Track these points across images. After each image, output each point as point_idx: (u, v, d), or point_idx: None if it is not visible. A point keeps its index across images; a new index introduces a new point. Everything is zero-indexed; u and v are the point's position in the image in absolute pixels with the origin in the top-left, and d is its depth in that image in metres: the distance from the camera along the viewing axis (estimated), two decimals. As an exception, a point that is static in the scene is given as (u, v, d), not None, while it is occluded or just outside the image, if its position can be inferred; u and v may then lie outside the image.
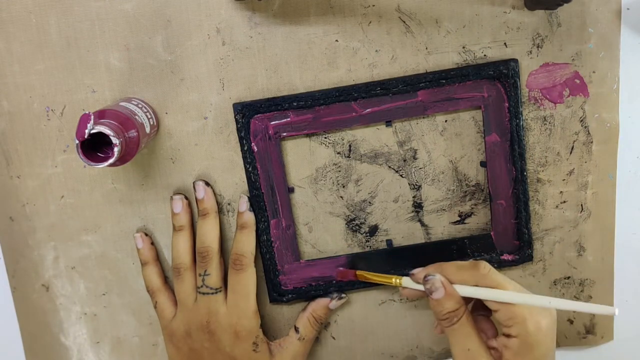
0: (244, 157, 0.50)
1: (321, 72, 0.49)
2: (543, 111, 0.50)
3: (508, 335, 0.45)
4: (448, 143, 0.51)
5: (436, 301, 0.46)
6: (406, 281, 0.49)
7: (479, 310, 0.49)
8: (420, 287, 0.47)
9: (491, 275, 0.45)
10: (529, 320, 0.44)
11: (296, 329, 0.52)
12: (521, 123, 0.49)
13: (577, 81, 0.50)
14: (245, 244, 0.50)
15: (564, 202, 0.52)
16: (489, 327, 0.48)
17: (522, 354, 0.44)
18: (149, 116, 0.47)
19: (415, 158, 0.51)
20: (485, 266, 0.46)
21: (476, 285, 0.46)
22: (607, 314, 0.44)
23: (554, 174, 0.52)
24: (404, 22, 0.49)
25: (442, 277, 0.46)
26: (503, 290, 0.45)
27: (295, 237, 0.52)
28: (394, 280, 0.49)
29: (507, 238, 0.52)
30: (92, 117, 0.39)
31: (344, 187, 0.52)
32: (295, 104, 0.49)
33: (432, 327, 0.55)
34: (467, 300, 0.46)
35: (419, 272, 0.48)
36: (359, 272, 0.51)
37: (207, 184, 0.51)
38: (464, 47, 0.49)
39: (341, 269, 0.52)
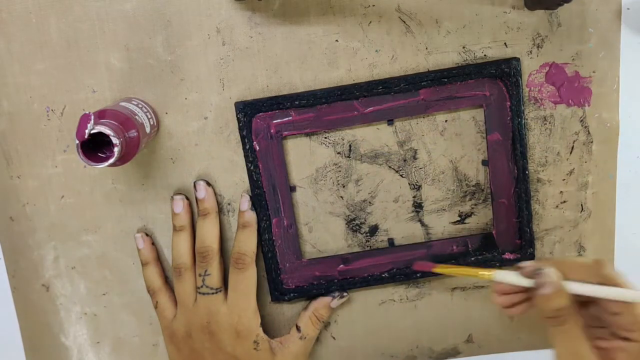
0: (246, 156, 0.50)
1: (321, 72, 0.49)
2: (543, 111, 0.50)
3: (626, 339, 0.42)
4: (448, 143, 0.51)
5: (545, 296, 0.41)
6: (499, 275, 0.44)
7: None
8: (520, 282, 0.43)
9: (615, 276, 0.41)
10: None
11: (298, 328, 0.52)
12: (523, 122, 0.49)
13: (577, 81, 0.50)
14: (247, 243, 0.50)
15: (564, 202, 0.52)
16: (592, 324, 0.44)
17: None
18: (149, 116, 0.47)
19: (415, 158, 0.51)
20: (607, 265, 0.42)
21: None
22: None
23: (554, 173, 0.52)
24: (404, 22, 0.49)
25: (557, 271, 0.42)
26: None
27: (297, 236, 0.52)
28: (480, 273, 0.45)
29: (508, 237, 0.52)
30: (92, 117, 0.39)
31: (344, 187, 0.52)
32: (297, 102, 0.49)
33: (432, 327, 0.55)
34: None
35: (528, 265, 0.44)
36: (439, 268, 0.48)
37: (208, 183, 0.51)
38: (464, 47, 0.49)
39: (418, 262, 0.50)
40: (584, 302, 0.44)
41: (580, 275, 0.42)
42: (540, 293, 0.42)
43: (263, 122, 0.49)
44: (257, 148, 0.50)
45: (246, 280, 0.50)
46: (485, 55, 0.49)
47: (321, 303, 0.52)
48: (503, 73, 0.48)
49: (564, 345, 0.42)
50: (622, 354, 0.42)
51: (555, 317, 0.42)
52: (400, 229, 0.53)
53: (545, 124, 0.51)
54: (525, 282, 0.43)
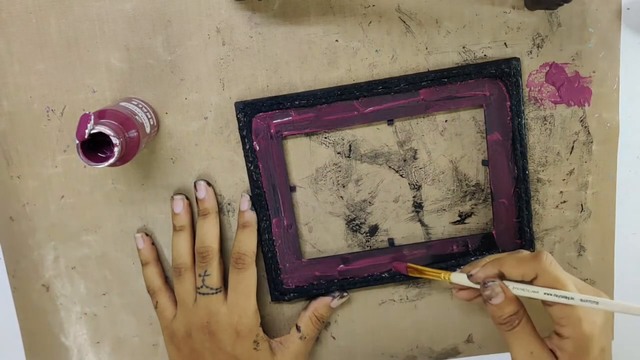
0: (246, 156, 0.50)
1: (321, 72, 0.49)
2: (543, 111, 0.50)
3: (561, 335, 0.43)
4: (448, 143, 0.51)
5: (496, 306, 0.44)
6: (455, 277, 0.48)
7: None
8: (471, 285, 0.46)
9: (552, 268, 0.43)
10: (584, 321, 0.42)
11: (298, 328, 0.52)
12: (523, 122, 0.49)
13: (577, 81, 0.50)
14: (247, 243, 0.50)
15: (564, 202, 0.52)
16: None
17: (577, 356, 0.42)
18: (149, 116, 0.47)
19: (415, 158, 0.51)
20: (547, 257, 0.43)
21: (536, 277, 0.43)
22: None
23: (554, 174, 0.52)
24: (404, 22, 0.49)
25: (501, 282, 0.44)
26: (561, 287, 0.42)
27: (297, 236, 0.52)
28: (442, 275, 0.48)
29: (508, 237, 0.52)
30: (92, 117, 0.39)
31: (344, 187, 0.52)
32: (297, 102, 0.49)
33: (432, 327, 0.55)
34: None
35: (476, 272, 0.46)
36: (409, 265, 0.50)
37: (209, 183, 0.51)
38: (464, 47, 0.49)
39: (395, 263, 0.51)
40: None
41: (522, 271, 0.44)
42: (492, 303, 0.44)
43: (263, 122, 0.49)
44: (257, 148, 0.50)
45: (246, 281, 0.50)
46: (485, 55, 0.49)
47: (321, 303, 0.52)
48: (503, 73, 0.48)
49: (518, 346, 0.44)
50: (562, 353, 0.43)
51: (508, 323, 0.44)
52: (400, 229, 0.53)
53: (545, 124, 0.51)
54: (477, 286, 0.46)
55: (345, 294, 0.53)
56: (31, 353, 0.55)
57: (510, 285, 0.45)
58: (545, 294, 0.43)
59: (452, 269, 0.52)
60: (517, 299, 0.44)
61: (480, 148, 0.51)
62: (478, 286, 0.46)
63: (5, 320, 0.54)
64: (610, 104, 0.50)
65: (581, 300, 0.42)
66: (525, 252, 0.47)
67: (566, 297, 0.42)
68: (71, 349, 0.55)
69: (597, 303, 0.41)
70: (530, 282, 0.44)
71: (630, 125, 0.52)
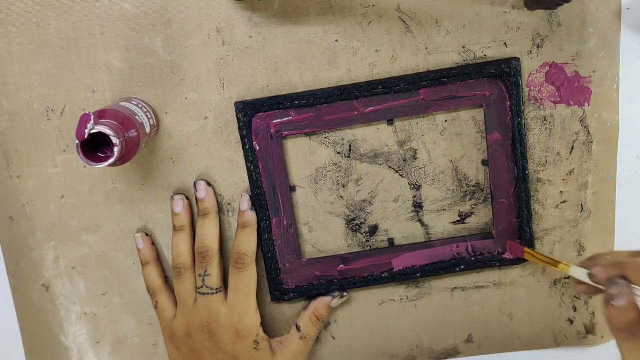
0: (246, 156, 0.50)
1: (321, 72, 0.49)
2: (543, 111, 0.50)
3: None
4: (448, 143, 0.51)
5: (617, 309, 0.39)
6: (574, 271, 0.44)
7: None
8: (589, 281, 0.43)
9: None
10: None
11: (298, 328, 0.52)
12: (523, 122, 0.49)
13: (577, 81, 0.50)
14: (247, 243, 0.50)
15: (564, 202, 0.52)
16: None
17: None
18: (149, 116, 0.47)
19: (415, 158, 0.51)
20: None
21: None
22: None
23: (554, 174, 0.52)
24: (404, 22, 0.49)
25: (630, 285, 0.40)
26: None
27: (297, 236, 0.52)
28: (560, 266, 0.46)
29: (508, 237, 0.52)
30: (92, 117, 0.39)
31: (344, 187, 0.52)
32: (297, 102, 0.49)
33: (432, 327, 0.55)
34: None
35: (598, 272, 0.42)
36: (527, 250, 0.49)
37: (209, 183, 0.51)
38: (464, 47, 0.49)
39: (512, 242, 0.50)
40: None
41: None
42: (613, 304, 0.40)
43: (263, 122, 0.49)
44: (257, 148, 0.50)
45: (246, 280, 0.50)
46: (485, 55, 0.49)
47: (321, 303, 0.52)
48: (503, 73, 0.48)
49: (635, 358, 0.40)
50: None
51: (627, 330, 0.40)
52: (400, 229, 0.53)
53: (545, 124, 0.51)
54: (598, 286, 0.43)
55: (345, 293, 0.53)
56: (31, 353, 0.55)
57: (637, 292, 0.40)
58: None
59: (451, 269, 0.52)
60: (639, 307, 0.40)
61: (480, 148, 0.51)
62: (600, 286, 0.42)
63: (5, 320, 0.54)
64: (610, 104, 0.51)
65: None
66: None
67: None
68: (71, 349, 0.55)
69: None
70: None
71: (630, 125, 0.52)
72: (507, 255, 0.52)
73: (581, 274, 0.44)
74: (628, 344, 0.40)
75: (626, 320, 0.40)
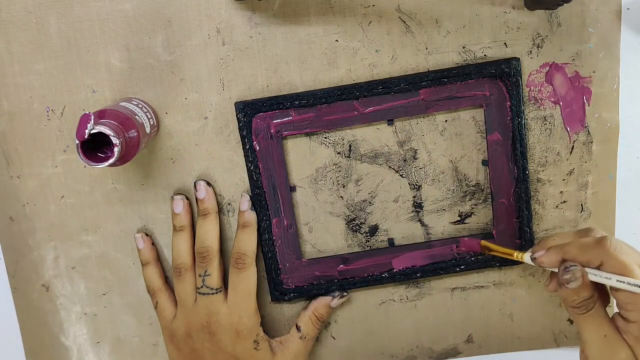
0: (246, 156, 0.50)
1: (321, 72, 0.49)
2: (543, 111, 0.50)
3: (626, 319, 0.43)
4: (448, 143, 0.51)
5: (572, 290, 0.43)
6: (527, 258, 0.47)
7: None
8: (545, 267, 0.46)
9: (618, 255, 0.42)
10: None
11: (298, 328, 0.52)
12: (523, 122, 0.49)
13: (577, 81, 0.50)
14: (247, 242, 0.50)
15: (564, 202, 0.52)
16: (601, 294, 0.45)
17: None
18: (149, 116, 0.47)
19: (415, 158, 0.51)
20: (611, 243, 0.43)
21: (601, 264, 0.43)
22: None
23: (554, 174, 0.52)
24: (404, 22, 0.49)
25: (582, 268, 0.43)
26: (629, 272, 0.41)
27: (297, 236, 0.52)
28: (515, 254, 0.47)
29: (508, 237, 0.52)
30: (92, 117, 0.39)
31: (344, 187, 0.52)
32: (297, 102, 0.49)
33: (432, 327, 0.55)
34: None
35: (540, 256, 0.45)
36: (483, 242, 0.49)
37: (209, 183, 0.51)
38: (464, 47, 0.49)
39: (466, 238, 0.50)
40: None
41: (586, 258, 0.43)
42: (568, 287, 0.43)
43: (263, 122, 0.49)
44: (257, 148, 0.50)
45: (246, 280, 0.50)
46: (485, 55, 0.49)
47: (321, 303, 0.52)
48: (503, 73, 0.48)
49: (591, 330, 0.43)
50: (627, 336, 0.43)
51: (582, 307, 0.43)
52: (400, 229, 0.53)
53: (545, 124, 0.51)
54: (553, 269, 0.46)
55: (345, 293, 0.53)
56: (31, 353, 0.55)
57: (589, 273, 0.43)
58: (617, 281, 0.42)
59: (451, 269, 0.52)
60: (591, 284, 0.43)
61: (480, 148, 0.51)
62: (550, 268, 0.45)
63: (5, 320, 0.54)
64: (610, 104, 0.50)
65: None
66: (588, 238, 0.45)
67: (638, 286, 0.41)
68: (71, 349, 0.55)
69: None
70: (597, 269, 0.44)
71: (630, 125, 0.52)
72: None
73: (529, 258, 0.46)
74: (583, 317, 0.44)
75: (579, 298, 0.43)
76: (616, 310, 0.44)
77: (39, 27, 0.48)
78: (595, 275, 0.43)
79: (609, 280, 0.43)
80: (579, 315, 0.44)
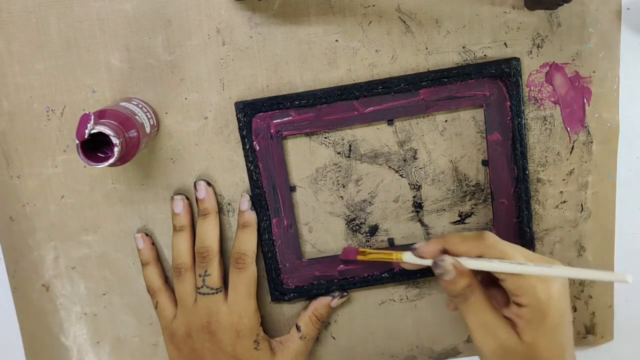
0: (246, 156, 0.50)
1: (321, 72, 0.49)
2: (543, 111, 0.50)
3: (519, 304, 0.44)
4: (448, 143, 0.51)
5: (448, 282, 0.44)
6: (407, 256, 0.47)
7: (486, 280, 0.47)
8: (422, 262, 0.46)
9: (496, 244, 0.44)
10: (538, 288, 0.42)
11: (298, 328, 0.52)
12: (523, 122, 0.49)
13: (577, 81, 0.50)
14: (247, 242, 0.50)
15: (564, 202, 0.52)
16: (501, 295, 0.46)
17: (536, 322, 0.43)
18: (149, 116, 0.47)
19: (415, 158, 0.51)
20: (489, 236, 0.45)
21: (481, 256, 0.44)
22: (619, 281, 0.42)
23: (554, 174, 0.52)
24: (404, 22, 0.49)
25: (452, 259, 0.44)
26: (509, 259, 0.43)
27: (297, 236, 0.52)
28: (394, 255, 0.48)
29: (508, 237, 0.51)
30: (92, 117, 0.39)
31: (344, 187, 0.52)
32: (297, 102, 0.49)
33: (432, 327, 0.55)
34: (475, 271, 0.45)
35: (421, 246, 0.47)
36: (360, 249, 0.50)
37: (209, 183, 0.51)
38: (464, 47, 0.49)
39: (346, 247, 0.51)
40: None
41: (466, 249, 0.45)
42: (443, 279, 0.45)
43: (263, 122, 0.49)
44: (257, 148, 0.50)
45: (246, 280, 0.50)
46: (485, 55, 0.49)
47: (321, 303, 0.52)
48: (503, 73, 0.48)
49: (473, 317, 0.45)
50: (520, 320, 0.44)
51: (461, 295, 0.45)
52: (400, 229, 0.53)
53: (545, 124, 0.51)
54: (429, 263, 0.46)
55: (345, 293, 0.53)
56: (31, 353, 0.55)
57: (463, 260, 0.45)
58: (499, 262, 0.43)
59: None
60: (470, 272, 0.44)
61: (480, 148, 0.51)
62: (428, 263, 0.46)
63: (5, 320, 0.54)
64: (610, 104, 0.51)
65: (535, 266, 0.43)
66: (469, 232, 0.47)
67: (519, 264, 0.43)
68: (71, 349, 0.55)
69: (550, 268, 0.42)
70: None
71: (630, 125, 0.52)
72: None
73: (411, 257, 0.47)
74: (464, 305, 0.45)
75: (457, 288, 0.45)
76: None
77: (39, 27, 0.48)
78: (475, 262, 0.44)
79: (489, 263, 0.44)
80: (460, 304, 0.45)
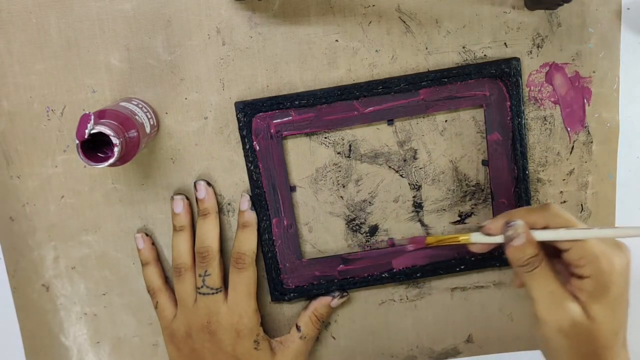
0: (246, 156, 0.50)
1: (321, 72, 0.49)
2: (543, 111, 0.50)
3: (580, 277, 0.43)
4: (448, 143, 0.51)
5: (517, 248, 0.43)
6: (475, 237, 0.47)
7: (548, 256, 0.45)
8: (491, 240, 0.46)
9: (561, 213, 0.44)
10: (602, 259, 0.42)
11: (298, 328, 0.52)
12: (523, 122, 0.49)
13: (577, 81, 0.50)
14: (247, 242, 0.50)
15: (564, 202, 0.52)
16: (561, 271, 0.46)
17: (597, 295, 0.42)
18: (149, 116, 0.47)
19: (415, 158, 0.51)
20: (553, 206, 0.44)
21: (546, 226, 0.44)
22: None
23: (554, 174, 0.52)
24: (404, 22, 0.49)
25: (524, 224, 0.44)
26: (575, 225, 0.43)
27: (297, 236, 0.52)
28: (461, 238, 0.47)
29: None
30: (92, 117, 0.39)
31: (344, 187, 0.52)
32: (297, 102, 0.49)
33: (432, 327, 0.55)
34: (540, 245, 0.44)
35: (488, 223, 0.46)
36: (428, 238, 0.49)
37: (209, 183, 0.51)
38: (464, 47, 0.49)
39: (412, 237, 0.51)
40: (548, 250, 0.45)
41: (532, 220, 0.44)
42: (513, 245, 0.44)
43: (263, 122, 0.49)
44: (257, 148, 0.50)
45: (246, 280, 0.50)
46: (485, 55, 0.49)
47: (321, 302, 0.52)
48: (503, 73, 0.48)
49: (539, 287, 0.44)
50: (582, 293, 0.43)
51: (528, 264, 0.44)
52: (400, 229, 0.53)
53: (545, 124, 0.51)
54: (498, 239, 0.46)
55: (345, 293, 0.53)
56: (31, 353, 0.55)
57: (533, 233, 0.44)
58: (565, 230, 0.43)
59: (451, 269, 0.52)
60: (537, 243, 0.44)
61: (480, 148, 0.51)
62: (500, 240, 0.45)
63: (5, 320, 0.54)
64: (610, 104, 0.51)
65: (600, 229, 0.42)
66: (534, 205, 0.46)
67: (586, 230, 0.42)
68: (71, 349, 0.55)
69: (617, 228, 0.42)
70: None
71: (630, 125, 0.52)
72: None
73: (479, 237, 0.46)
74: (530, 275, 0.44)
75: (525, 256, 0.43)
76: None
77: (39, 27, 0.48)
78: (543, 233, 0.44)
79: (556, 233, 0.43)
80: (526, 274, 0.44)
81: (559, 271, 0.45)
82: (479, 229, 0.47)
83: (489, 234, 0.46)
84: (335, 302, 0.52)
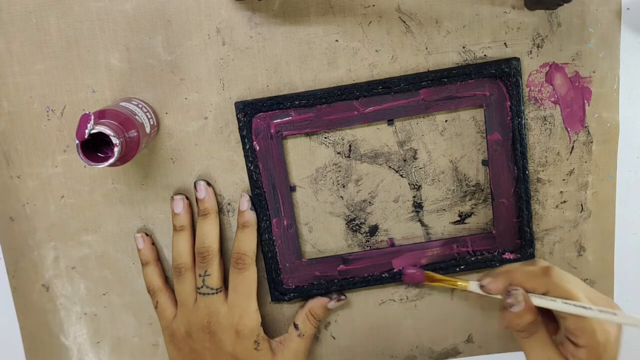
0: (246, 156, 0.50)
1: (321, 72, 0.49)
2: (543, 111, 0.50)
3: (575, 344, 0.44)
4: (448, 143, 0.51)
5: (516, 314, 0.45)
6: (472, 286, 0.49)
7: (544, 316, 0.48)
8: (489, 296, 0.47)
9: (563, 283, 0.45)
10: (598, 332, 0.43)
11: (295, 326, 0.52)
12: (523, 122, 0.49)
13: (577, 81, 0.50)
14: (247, 242, 0.50)
15: (564, 202, 0.52)
16: (550, 322, 0.47)
17: None
18: (149, 116, 0.47)
19: (415, 158, 0.51)
20: (557, 274, 0.45)
21: (546, 292, 0.45)
22: None
23: (554, 174, 0.52)
24: (404, 22, 0.49)
25: (524, 292, 0.45)
26: (574, 300, 0.44)
27: (297, 236, 0.52)
28: (459, 284, 0.49)
29: (508, 237, 0.52)
30: (92, 117, 0.39)
31: (344, 187, 0.52)
32: (297, 102, 0.49)
33: (432, 327, 0.55)
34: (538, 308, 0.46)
35: (488, 283, 0.47)
36: (427, 274, 0.50)
37: (209, 183, 0.51)
38: (464, 47, 0.49)
39: (409, 271, 0.51)
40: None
41: (532, 285, 0.46)
42: (513, 311, 0.45)
43: (263, 122, 0.49)
44: (257, 148, 0.50)
45: (246, 281, 0.50)
46: (485, 55, 0.49)
47: (317, 303, 0.52)
48: (503, 73, 0.48)
49: (535, 354, 0.46)
50: (574, 359, 0.45)
51: (526, 331, 0.45)
52: (400, 229, 0.53)
53: (545, 124, 0.51)
54: (497, 296, 0.47)
55: (343, 297, 0.53)
56: (31, 353, 0.55)
57: (532, 299, 0.45)
58: (563, 303, 0.44)
59: (452, 269, 0.52)
60: (535, 308, 0.45)
61: (480, 148, 0.51)
62: (495, 296, 0.47)
63: (5, 320, 0.54)
64: (610, 104, 0.51)
65: (599, 311, 0.43)
66: (535, 267, 0.48)
67: (584, 307, 0.44)
68: (71, 349, 0.55)
69: (615, 315, 0.43)
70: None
71: (630, 125, 0.52)
72: (507, 256, 0.52)
73: (476, 288, 0.48)
74: (527, 341, 0.46)
75: (522, 322, 0.45)
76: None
77: (39, 27, 0.48)
78: (541, 300, 0.45)
79: (554, 303, 0.44)
80: (524, 339, 0.46)
81: (555, 330, 0.47)
82: (478, 280, 0.48)
83: (488, 293, 0.47)
84: (333, 304, 0.52)
